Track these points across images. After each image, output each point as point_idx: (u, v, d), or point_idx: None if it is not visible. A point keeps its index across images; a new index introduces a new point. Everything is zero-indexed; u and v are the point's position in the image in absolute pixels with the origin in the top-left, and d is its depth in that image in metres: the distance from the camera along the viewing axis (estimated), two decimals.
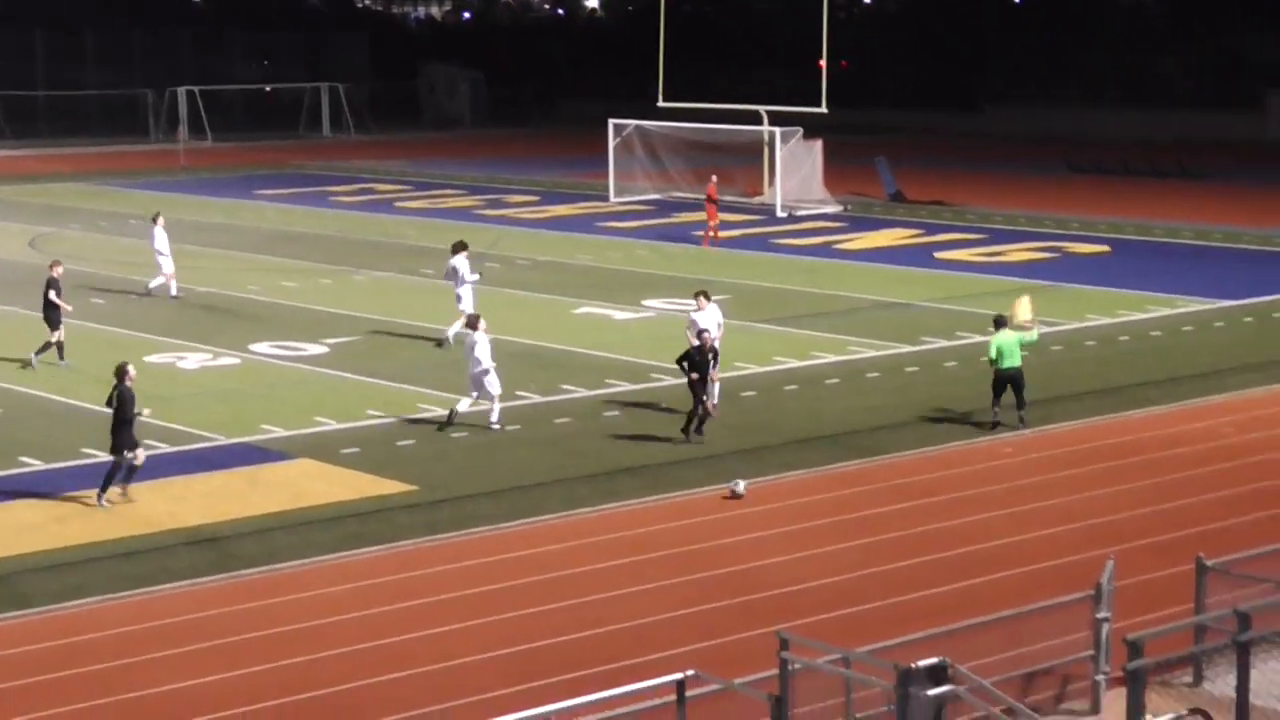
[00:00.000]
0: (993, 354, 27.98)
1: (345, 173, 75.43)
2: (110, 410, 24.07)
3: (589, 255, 48.73)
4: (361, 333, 36.73)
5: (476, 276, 34.97)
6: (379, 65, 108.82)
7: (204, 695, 17.52)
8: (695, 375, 27.18)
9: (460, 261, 34.71)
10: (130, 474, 24.02)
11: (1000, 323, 28.54)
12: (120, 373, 24.14)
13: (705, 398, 27.33)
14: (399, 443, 27.39)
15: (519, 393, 30.33)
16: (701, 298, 29.54)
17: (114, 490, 23.94)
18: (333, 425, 28.40)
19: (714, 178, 52.20)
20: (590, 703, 14.12)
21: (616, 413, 29.39)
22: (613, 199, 62.01)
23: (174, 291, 40.64)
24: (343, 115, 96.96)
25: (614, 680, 15.63)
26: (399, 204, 63.16)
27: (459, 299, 34.41)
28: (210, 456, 26.69)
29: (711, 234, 50.78)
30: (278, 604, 20.28)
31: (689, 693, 14.16)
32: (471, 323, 28.78)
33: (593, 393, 30.72)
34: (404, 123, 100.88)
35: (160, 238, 40.79)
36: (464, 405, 28.11)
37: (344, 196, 65.65)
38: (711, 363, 27.53)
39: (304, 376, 32.57)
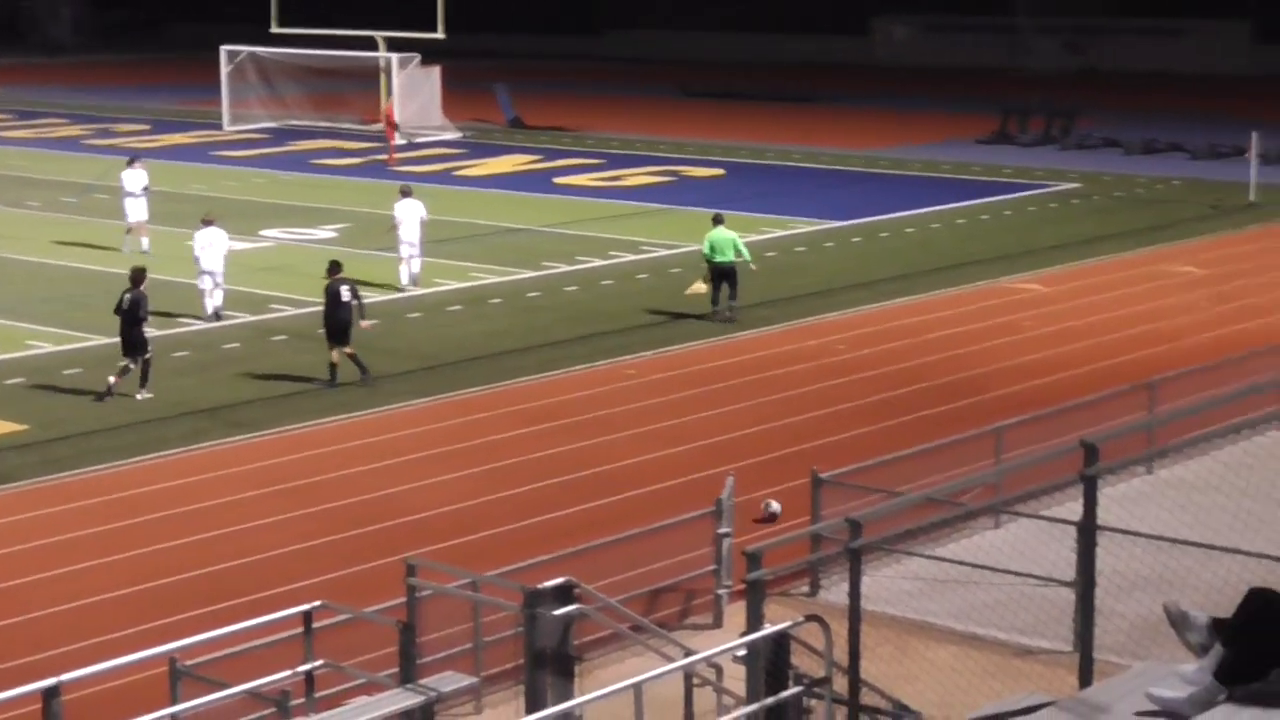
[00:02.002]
0: (706, 249, 30.53)
1: None
2: None
3: (204, 185, 47.60)
4: None
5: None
6: None
7: None
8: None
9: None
10: None
11: (718, 220, 30.84)
12: None
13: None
14: (7, 381, 26.42)
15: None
16: (400, 192, 33.45)
17: None
18: None
19: (391, 98, 53.48)
20: (217, 637, 13.92)
21: (236, 344, 28.87)
22: (227, 127, 60.64)
23: None
24: None
25: (243, 614, 15.42)
26: (1, 133, 60.68)
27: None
28: None
29: (392, 154, 51.86)
30: None
31: (318, 623, 14.08)
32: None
33: (212, 326, 30.10)
34: (3, 47, 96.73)
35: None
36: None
37: None
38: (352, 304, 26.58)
39: None
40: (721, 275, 30.53)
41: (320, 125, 60.93)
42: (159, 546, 19.59)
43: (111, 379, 25.49)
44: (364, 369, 26.37)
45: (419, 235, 33.36)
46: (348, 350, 26.35)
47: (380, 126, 56.37)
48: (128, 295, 25.74)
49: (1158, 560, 14.62)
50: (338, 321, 26.29)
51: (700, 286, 30.87)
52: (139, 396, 25.44)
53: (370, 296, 32.18)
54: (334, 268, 26.74)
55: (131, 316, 25.62)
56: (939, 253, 37.57)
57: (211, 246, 30.54)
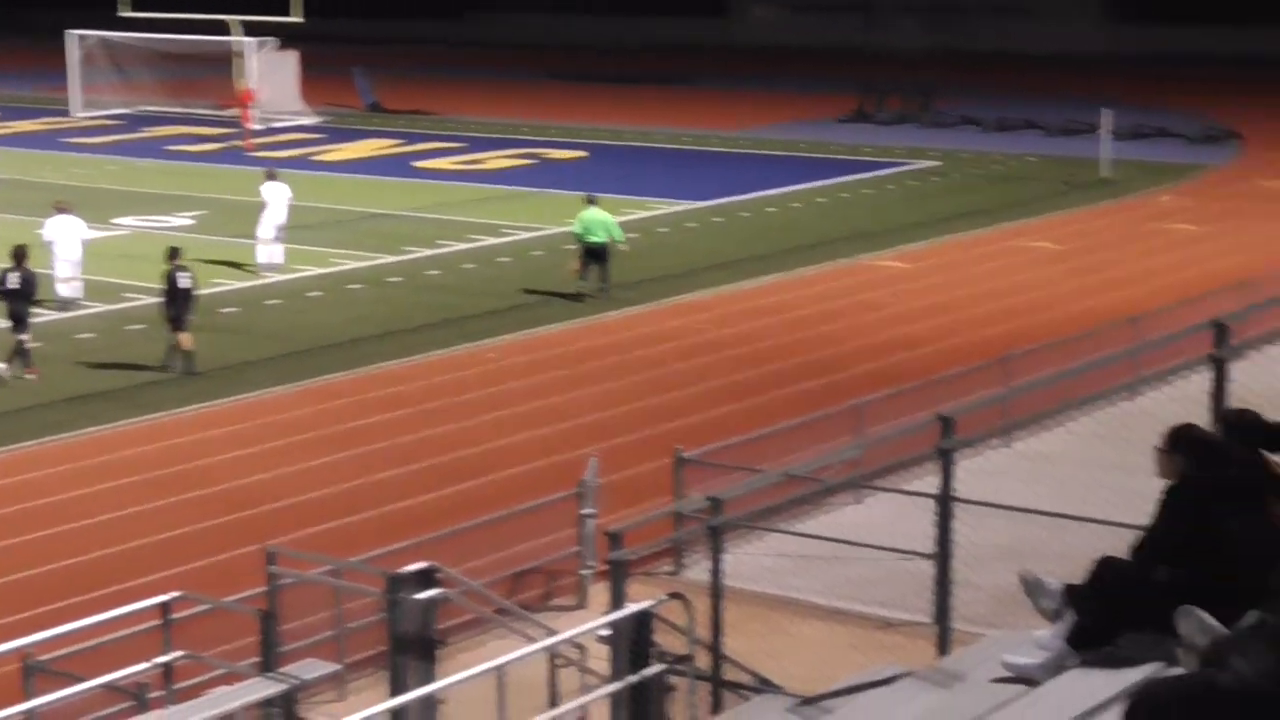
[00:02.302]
0: (578, 229, 30.86)
1: None
2: None
3: (54, 172, 46.82)
4: None
5: None
6: None
7: None
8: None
9: None
10: None
11: (591, 200, 31.16)
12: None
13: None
14: None
15: None
16: (266, 175, 33.90)
17: None
18: None
19: (246, 82, 53.93)
20: (72, 631, 13.70)
21: (91, 334, 28.44)
22: (77, 114, 59.67)
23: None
24: None
25: (100, 607, 15.15)
26: None
27: None
28: None
29: (248, 139, 51.88)
30: None
31: (177, 614, 13.89)
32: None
33: (64, 315, 29.62)
34: None
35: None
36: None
37: None
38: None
39: None
40: (593, 255, 30.79)
41: (175, 111, 60.11)
42: (11, 541, 19.24)
43: (4, 365, 25.48)
44: (189, 362, 26.04)
45: (285, 219, 33.27)
46: (185, 337, 26.04)
47: (236, 112, 55.83)
48: (15, 274, 25.83)
49: (1013, 531, 14.82)
50: (178, 308, 26.02)
51: (575, 265, 30.95)
52: (26, 376, 25.60)
53: (230, 284, 31.91)
54: (173, 253, 26.44)
55: (26, 293, 25.83)
56: (800, 232, 37.79)
57: (67, 234, 30.12)
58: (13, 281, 25.89)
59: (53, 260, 30.14)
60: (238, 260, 33.53)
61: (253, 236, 33.44)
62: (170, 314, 26.05)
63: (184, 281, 26.06)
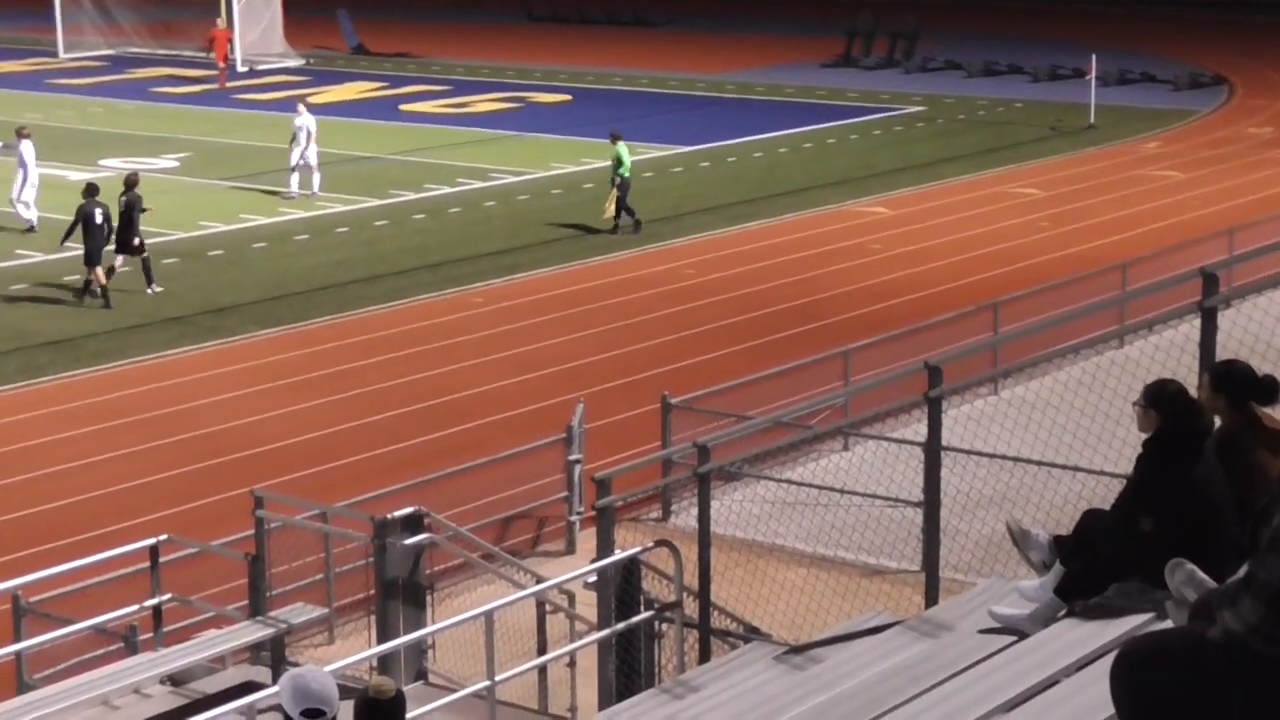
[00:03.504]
0: (623, 166, 31.33)
1: None
2: None
3: (39, 113, 46.51)
4: None
5: None
6: None
7: None
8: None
9: None
10: None
11: (618, 136, 31.59)
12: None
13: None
14: None
15: None
16: (300, 104, 35.51)
17: None
18: None
19: (219, 21, 53.71)
20: (61, 573, 13.74)
21: (75, 276, 28.37)
22: (62, 55, 59.30)
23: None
24: None
25: (88, 550, 15.19)
26: None
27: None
28: None
29: (223, 79, 52.18)
30: None
31: (164, 557, 13.93)
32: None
33: (50, 257, 29.53)
34: None
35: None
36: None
37: None
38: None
39: None
40: (625, 189, 31.53)
41: (159, 53, 59.78)
42: None
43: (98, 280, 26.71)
44: (107, 297, 26.67)
45: (315, 149, 34.88)
46: (99, 272, 26.71)
47: (211, 55, 55.59)
48: (123, 197, 27.05)
49: (1000, 479, 14.87)
50: (93, 243, 26.72)
51: (612, 204, 31.59)
52: (150, 291, 27.09)
53: (217, 226, 31.84)
54: (90, 190, 27.28)
55: (127, 218, 26.94)
56: (786, 177, 37.74)
57: (29, 160, 31.53)
58: (121, 204, 27.12)
59: (21, 187, 31.24)
60: (217, 205, 33.42)
61: (235, 180, 33.38)
62: (87, 248, 26.76)
63: (98, 218, 26.80)
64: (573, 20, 72.21)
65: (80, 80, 53.79)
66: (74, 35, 59.74)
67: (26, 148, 31.47)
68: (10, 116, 45.33)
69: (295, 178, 34.75)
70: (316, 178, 34.77)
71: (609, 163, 32.06)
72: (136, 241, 27.25)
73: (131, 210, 27.09)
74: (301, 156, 34.58)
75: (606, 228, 31.52)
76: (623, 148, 31.49)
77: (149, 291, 27.10)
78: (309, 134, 34.56)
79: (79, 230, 26.84)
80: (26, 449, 20.37)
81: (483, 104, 48.62)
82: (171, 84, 52.99)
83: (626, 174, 31.56)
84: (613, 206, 31.50)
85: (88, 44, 59.97)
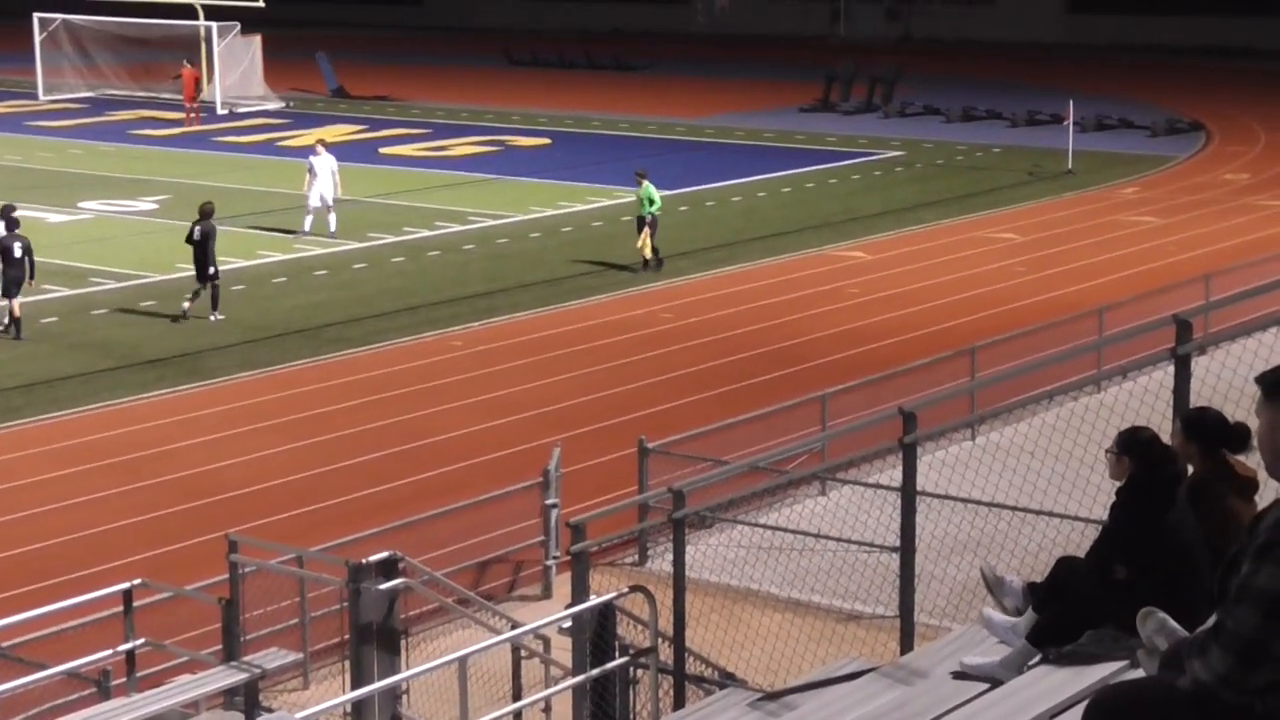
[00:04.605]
0: (652, 202, 32.21)
1: None
2: None
3: (18, 155, 46.59)
4: None
5: None
6: None
7: None
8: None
9: None
10: None
11: (644, 175, 32.67)
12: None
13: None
14: None
15: None
16: (320, 145, 35.70)
17: None
18: None
19: (186, 63, 54.41)
20: (34, 618, 13.67)
21: (54, 319, 28.34)
22: (41, 97, 59.37)
23: None
24: None
25: (62, 593, 15.13)
26: None
27: None
28: None
29: (192, 115, 52.97)
30: None
31: (138, 601, 13.87)
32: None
33: (27, 300, 29.45)
34: None
35: None
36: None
37: None
38: None
39: None
40: (654, 227, 32.38)
41: (138, 95, 59.85)
42: None
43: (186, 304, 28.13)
44: (18, 329, 27.17)
45: (333, 189, 35.31)
46: (16, 304, 27.18)
47: (179, 97, 55.71)
48: (197, 226, 28.10)
49: (976, 525, 14.90)
50: (12, 276, 27.16)
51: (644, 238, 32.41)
52: (213, 319, 28.06)
53: (190, 270, 31.82)
54: (12, 223, 27.78)
55: (203, 247, 28.05)
56: (764, 221, 37.83)
57: None
58: (196, 233, 28.19)
59: None
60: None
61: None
62: (6, 280, 27.17)
63: (17, 251, 27.17)
64: (553, 64, 72.41)
65: (60, 122, 53.82)
66: (54, 78, 59.83)
67: None
68: None
69: (309, 218, 35.19)
70: (332, 217, 35.16)
71: (635, 200, 33.10)
72: (211, 270, 28.16)
73: (208, 240, 28.07)
74: (319, 196, 34.99)
75: (638, 265, 32.31)
76: (650, 186, 32.26)
77: (212, 319, 28.04)
78: (332, 173, 35.15)
79: None
80: (1, 491, 20.28)
81: (462, 147, 48.70)
82: (150, 126, 53.07)
83: (657, 211, 32.30)
84: (648, 243, 32.22)
85: (67, 86, 60.04)
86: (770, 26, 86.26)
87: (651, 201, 32.32)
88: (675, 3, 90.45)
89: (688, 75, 69.61)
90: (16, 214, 28.34)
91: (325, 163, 35.03)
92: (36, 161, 45.54)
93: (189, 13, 58.45)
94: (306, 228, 35.09)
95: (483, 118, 55.59)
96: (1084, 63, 70.41)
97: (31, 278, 27.48)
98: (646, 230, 32.38)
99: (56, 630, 13.83)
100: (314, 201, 35.07)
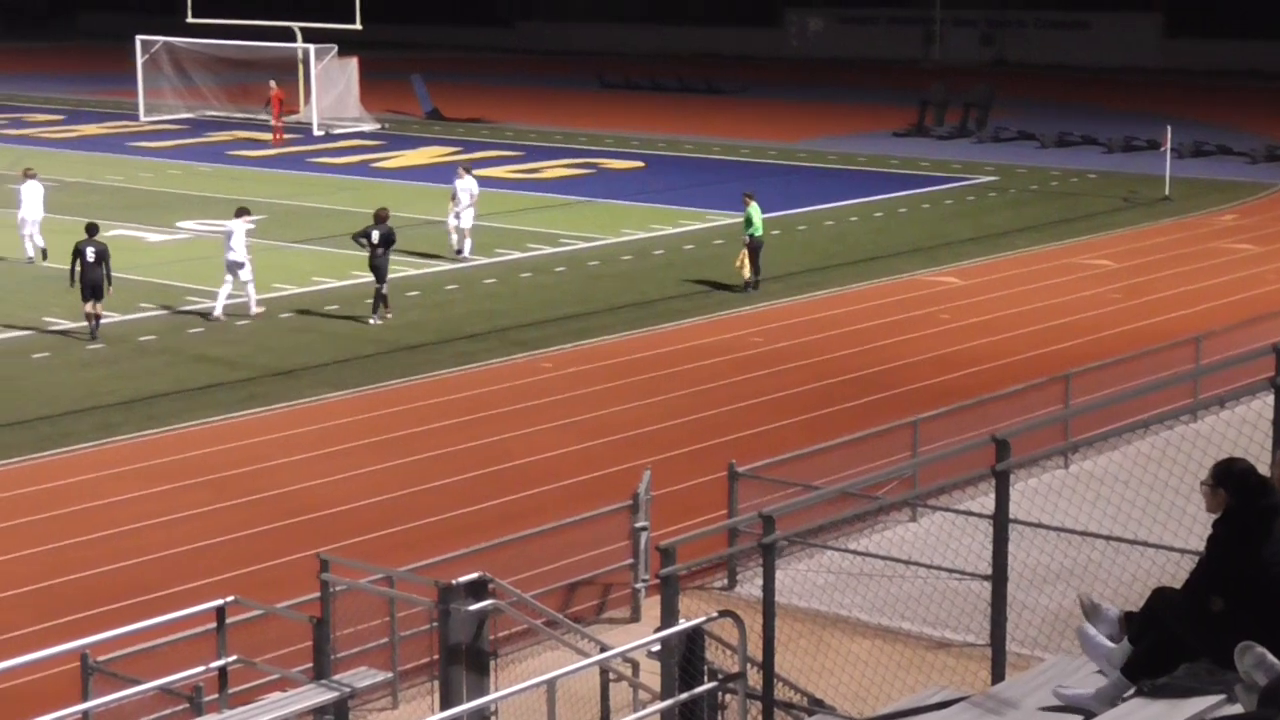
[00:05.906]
0: (754, 225, 32.53)
1: None
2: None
3: (119, 176, 47.19)
4: None
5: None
6: None
7: None
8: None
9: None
10: None
11: (751, 196, 32.90)
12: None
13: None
14: None
15: (46, 318, 29.35)
16: (461, 168, 36.58)
17: None
18: None
19: (272, 83, 55.48)
20: (129, 633, 13.78)
21: (152, 337, 28.64)
22: (143, 118, 60.15)
23: None
24: None
25: (155, 610, 15.27)
26: None
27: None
28: None
29: (279, 133, 54.16)
30: None
31: (230, 619, 13.96)
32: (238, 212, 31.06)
33: (126, 317, 29.83)
34: None
35: None
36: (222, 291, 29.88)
37: None
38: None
39: None
40: (755, 249, 32.53)
41: (236, 116, 60.50)
42: (70, 541, 19.39)
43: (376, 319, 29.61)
44: (95, 330, 28.25)
45: (472, 212, 35.88)
46: (98, 307, 28.15)
47: (267, 117, 56.41)
48: (376, 230, 29.79)
49: (1069, 554, 14.75)
50: (89, 280, 28.02)
51: (743, 260, 32.70)
52: (372, 321, 29.63)
53: (289, 289, 32.06)
54: (90, 229, 28.72)
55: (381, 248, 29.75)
56: (856, 246, 37.72)
57: (32, 197, 34.51)
58: (375, 236, 29.73)
59: (26, 223, 34.09)
60: (290, 265, 33.67)
61: (308, 243, 33.68)
62: (84, 285, 28.12)
63: (90, 256, 28.05)
64: (645, 87, 72.57)
65: (160, 143, 54.48)
66: (154, 98, 60.62)
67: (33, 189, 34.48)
68: (91, 178, 45.99)
69: (454, 237, 35.94)
70: (468, 242, 35.71)
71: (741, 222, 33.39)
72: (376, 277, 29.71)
73: (386, 243, 29.75)
74: (457, 217, 35.62)
75: (740, 285, 32.55)
76: (755, 208, 32.44)
77: (371, 321, 29.61)
78: (472, 196, 35.68)
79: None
80: (99, 507, 20.51)
81: (554, 169, 48.88)
82: (247, 147, 53.60)
83: (757, 233, 32.46)
84: (747, 265, 32.39)
85: (167, 107, 60.82)
86: (863, 50, 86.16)
87: (749, 223, 32.43)
88: (768, 26, 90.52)
89: (780, 99, 69.58)
90: (99, 230, 29.23)
91: (466, 185, 35.67)
92: (137, 182, 46.09)
93: (287, 35, 59.02)
94: (466, 250, 35.73)
95: (575, 140, 55.79)
96: (1181, 87, 69.78)
97: (109, 284, 28.19)
98: (744, 252, 32.43)
99: (150, 646, 13.93)
100: (452, 221, 35.79)
